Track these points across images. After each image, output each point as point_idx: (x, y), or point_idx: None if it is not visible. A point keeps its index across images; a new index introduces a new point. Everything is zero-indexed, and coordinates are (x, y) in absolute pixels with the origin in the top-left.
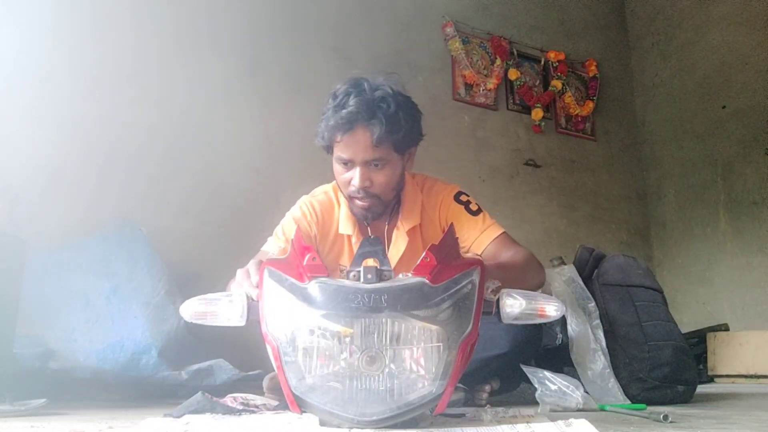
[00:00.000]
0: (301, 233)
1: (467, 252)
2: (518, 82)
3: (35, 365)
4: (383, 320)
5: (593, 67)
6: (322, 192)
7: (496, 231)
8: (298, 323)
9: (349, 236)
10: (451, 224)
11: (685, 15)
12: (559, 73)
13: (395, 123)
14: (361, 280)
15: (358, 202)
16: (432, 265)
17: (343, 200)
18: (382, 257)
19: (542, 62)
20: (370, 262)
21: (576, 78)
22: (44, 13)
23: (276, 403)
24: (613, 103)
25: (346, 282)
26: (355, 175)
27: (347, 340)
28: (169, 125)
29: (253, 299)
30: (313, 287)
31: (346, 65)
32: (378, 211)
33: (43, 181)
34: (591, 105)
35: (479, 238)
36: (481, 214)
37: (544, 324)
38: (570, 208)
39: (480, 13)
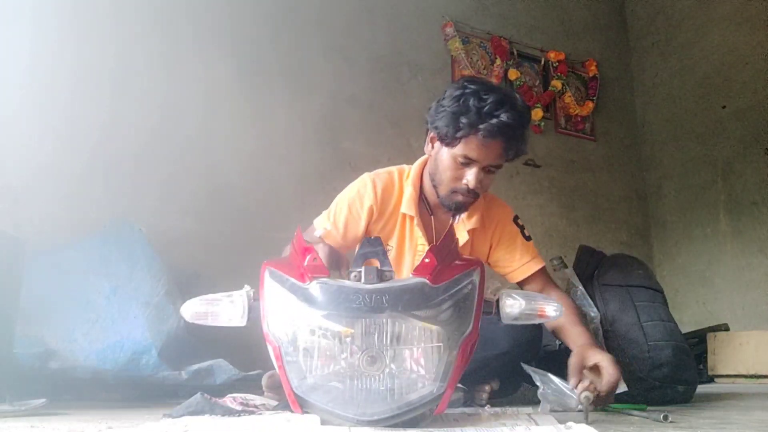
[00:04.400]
0: (300, 230)
1: (506, 272)
2: (518, 82)
3: (35, 365)
4: (384, 320)
5: (593, 67)
6: (386, 172)
7: (541, 262)
8: (299, 323)
9: (411, 217)
10: (451, 224)
11: (685, 15)
12: (559, 73)
13: (524, 141)
14: (362, 280)
15: (459, 197)
16: (432, 266)
17: (409, 183)
18: (383, 258)
19: (542, 62)
20: (371, 262)
21: (576, 78)
22: (46, 14)
23: (275, 402)
24: (613, 103)
25: (347, 282)
26: (471, 176)
27: (348, 340)
28: (170, 125)
29: (254, 299)
30: (314, 287)
31: (346, 65)
32: (468, 209)
33: (43, 181)
34: (591, 105)
35: (527, 265)
36: (531, 242)
37: (544, 324)
38: (570, 208)
39: (480, 13)
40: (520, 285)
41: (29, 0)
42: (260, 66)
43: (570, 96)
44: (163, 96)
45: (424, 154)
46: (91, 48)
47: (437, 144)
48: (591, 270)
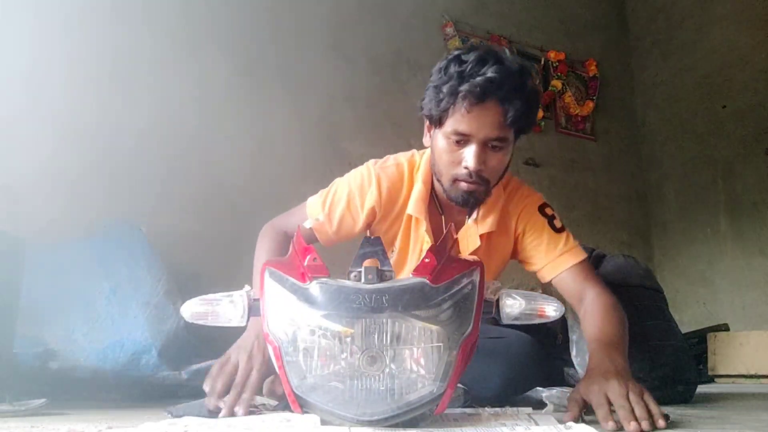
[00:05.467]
0: (300, 231)
1: (536, 269)
2: None
3: (35, 365)
4: (384, 320)
5: (593, 67)
6: (394, 164)
7: (577, 256)
8: (299, 323)
9: (417, 219)
10: (451, 224)
11: (685, 15)
12: (559, 73)
13: (531, 104)
14: (362, 280)
15: (463, 184)
16: (432, 266)
17: (418, 180)
18: (383, 257)
19: (542, 62)
20: (371, 262)
21: (576, 78)
22: (46, 14)
23: (276, 402)
24: (613, 103)
25: (347, 282)
26: (469, 155)
27: (348, 340)
28: (169, 125)
29: (254, 299)
30: (314, 287)
31: (346, 65)
32: (480, 199)
33: (43, 181)
34: (591, 105)
35: (557, 260)
36: (564, 233)
37: (544, 324)
38: (570, 208)
39: (479, 12)
40: (555, 287)
41: (24, 2)
42: (260, 66)
43: (570, 96)
44: (163, 96)
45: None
46: (91, 48)
47: (433, 131)
48: None
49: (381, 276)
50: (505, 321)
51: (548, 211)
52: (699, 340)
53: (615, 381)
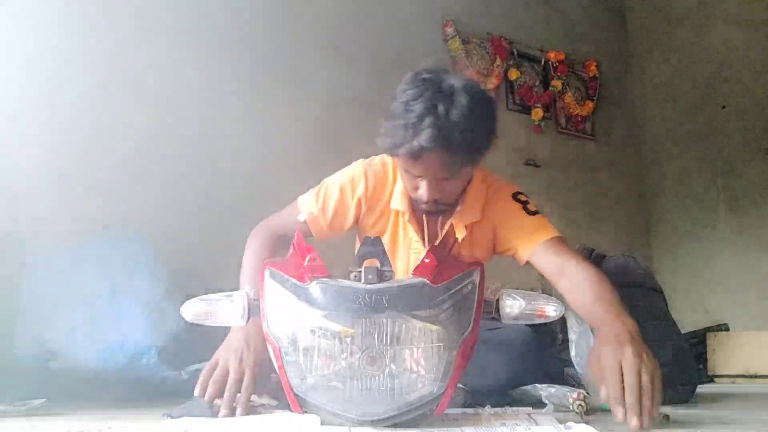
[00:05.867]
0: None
1: (513, 253)
2: (518, 82)
3: (35, 365)
4: (384, 320)
5: (593, 67)
6: (380, 162)
7: (552, 233)
8: (299, 323)
9: (401, 212)
10: (451, 225)
11: (685, 15)
12: (559, 73)
13: (471, 147)
14: (362, 280)
15: (423, 205)
16: (432, 266)
17: (400, 177)
18: (383, 257)
19: (542, 62)
20: (371, 262)
21: (576, 78)
22: (44, 14)
23: (276, 402)
24: (613, 103)
25: (347, 282)
26: (423, 190)
27: (348, 340)
28: (170, 125)
29: (254, 299)
30: (315, 288)
31: (346, 65)
32: (444, 210)
33: (43, 181)
34: (591, 105)
35: (532, 236)
36: (538, 215)
37: (544, 324)
38: (569, 208)
39: (480, 13)
40: (535, 266)
41: (31, 2)
42: (260, 66)
43: (570, 96)
44: (163, 96)
45: None
46: (91, 48)
47: None
48: None
49: (381, 276)
50: (505, 321)
51: (522, 197)
52: (699, 340)
53: (630, 348)
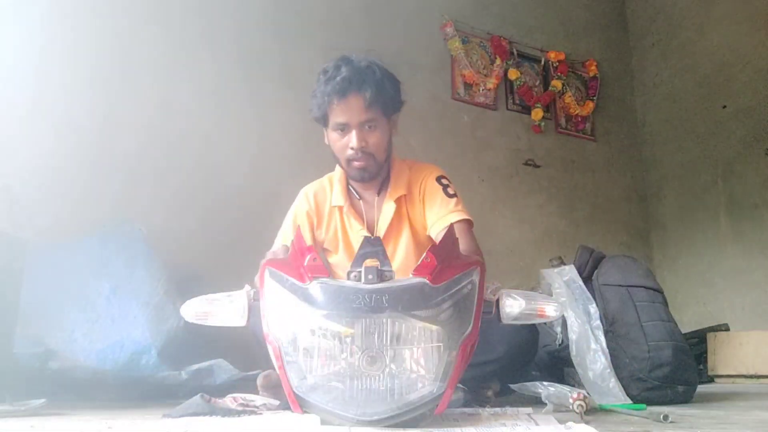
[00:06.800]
0: (300, 231)
1: (430, 228)
2: (518, 82)
3: (35, 365)
4: (384, 320)
5: (593, 67)
6: (318, 181)
7: (461, 216)
8: (299, 323)
9: (341, 207)
10: (451, 225)
11: (685, 14)
12: (559, 73)
13: (383, 88)
14: (362, 280)
15: (355, 163)
16: (432, 266)
17: (336, 180)
18: (383, 258)
19: (542, 62)
20: (371, 262)
21: (576, 78)
22: (43, 13)
23: (277, 402)
24: (613, 103)
25: (347, 282)
26: (351, 138)
27: (348, 340)
28: (169, 125)
29: (254, 299)
30: (315, 288)
31: None
32: (373, 171)
33: (43, 181)
34: (591, 105)
35: (445, 217)
36: (455, 199)
37: (544, 324)
38: (569, 208)
39: (480, 12)
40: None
41: (29, 1)
42: (260, 65)
43: (570, 96)
44: (163, 96)
45: (422, 152)
46: (91, 48)
47: (325, 131)
48: (590, 270)
49: (381, 276)
50: (505, 321)
51: (444, 181)
52: (699, 340)
53: None
